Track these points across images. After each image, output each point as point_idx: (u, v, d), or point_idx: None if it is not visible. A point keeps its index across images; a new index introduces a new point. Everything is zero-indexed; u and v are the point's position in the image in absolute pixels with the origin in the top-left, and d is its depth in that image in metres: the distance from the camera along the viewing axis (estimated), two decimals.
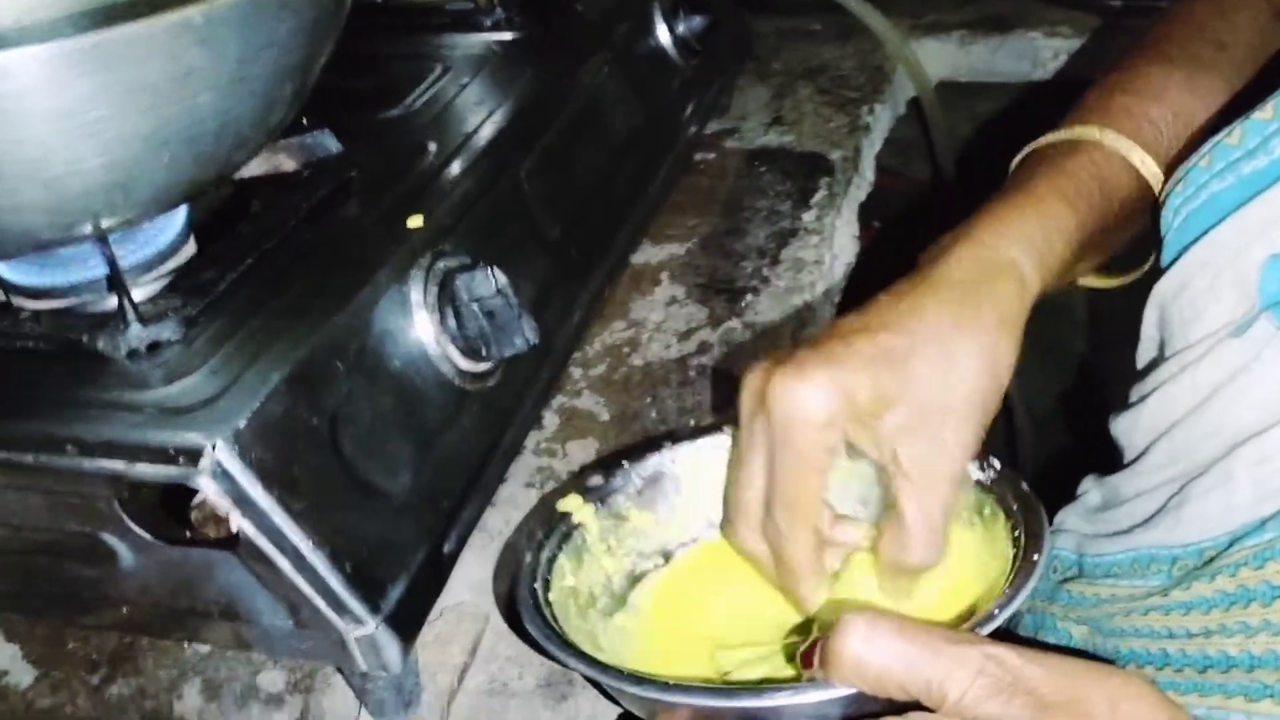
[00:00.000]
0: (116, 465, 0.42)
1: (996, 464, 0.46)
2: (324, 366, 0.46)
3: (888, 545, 0.43)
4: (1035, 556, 0.40)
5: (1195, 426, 0.46)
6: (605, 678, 0.40)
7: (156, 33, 0.40)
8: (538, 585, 0.44)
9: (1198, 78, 0.52)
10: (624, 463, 0.50)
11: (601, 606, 0.47)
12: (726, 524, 0.47)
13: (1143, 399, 0.49)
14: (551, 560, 0.46)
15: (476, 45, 0.74)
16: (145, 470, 0.41)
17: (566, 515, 0.48)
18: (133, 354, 0.46)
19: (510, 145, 0.63)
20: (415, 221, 0.53)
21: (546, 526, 0.47)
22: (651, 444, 0.51)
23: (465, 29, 0.76)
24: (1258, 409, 0.43)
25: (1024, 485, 0.44)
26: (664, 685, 0.38)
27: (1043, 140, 0.52)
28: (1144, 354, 0.51)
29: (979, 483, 0.45)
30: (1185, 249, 0.47)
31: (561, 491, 0.50)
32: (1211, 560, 0.45)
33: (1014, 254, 0.45)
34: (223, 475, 0.40)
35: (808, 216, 0.82)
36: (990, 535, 0.44)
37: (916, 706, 0.35)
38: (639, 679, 0.39)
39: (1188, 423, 0.46)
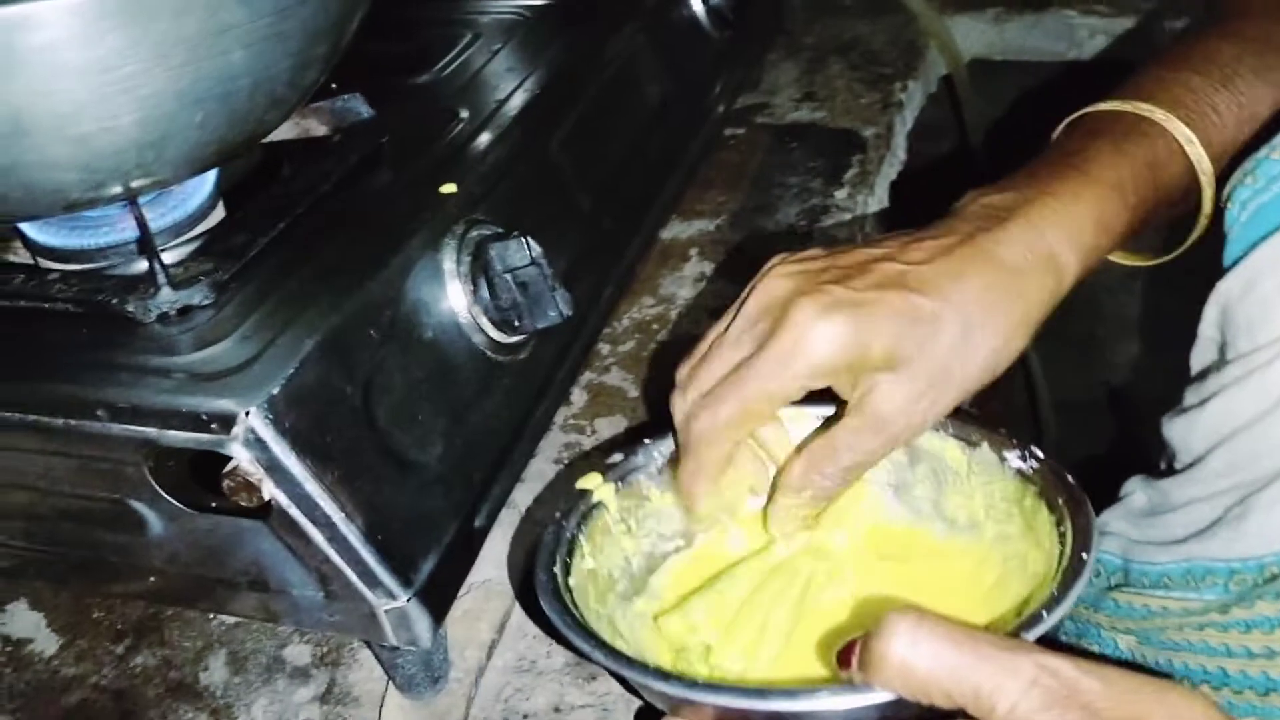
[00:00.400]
0: (148, 431, 0.41)
1: (1039, 454, 0.44)
2: (357, 334, 0.45)
3: (795, 462, 0.43)
4: (1084, 555, 0.38)
5: (1261, 435, 0.44)
6: (631, 672, 0.38)
7: None
8: (557, 569, 0.42)
9: (1270, 60, 0.50)
10: (645, 440, 0.48)
11: (620, 590, 0.45)
12: (682, 370, 0.47)
13: (1202, 403, 0.47)
14: (571, 541, 0.44)
15: (508, 11, 0.73)
16: (177, 436, 0.40)
17: (586, 494, 0.46)
18: (163, 318, 0.45)
19: (542, 114, 0.62)
20: (449, 189, 0.52)
21: (565, 505, 0.46)
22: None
23: None
24: None
25: (1069, 478, 0.42)
26: (691, 683, 0.37)
27: (1104, 106, 0.50)
28: (1201, 355, 0.49)
29: (1020, 472, 0.44)
30: (1254, 246, 0.45)
31: (581, 469, 0.49)
32: (1275, 577, 0.43)
33: (1061, 249, 0.44)
34: (256, 443, 0.39)
35: (839, 194, 0.81)
36: (1032, 529, 0.43)
37: (959, 714, 0.34)
38: (665, 675, 0.37)
39: (1253, 430, 0.44)
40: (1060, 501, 0.41)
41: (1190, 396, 0.48)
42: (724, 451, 0.44)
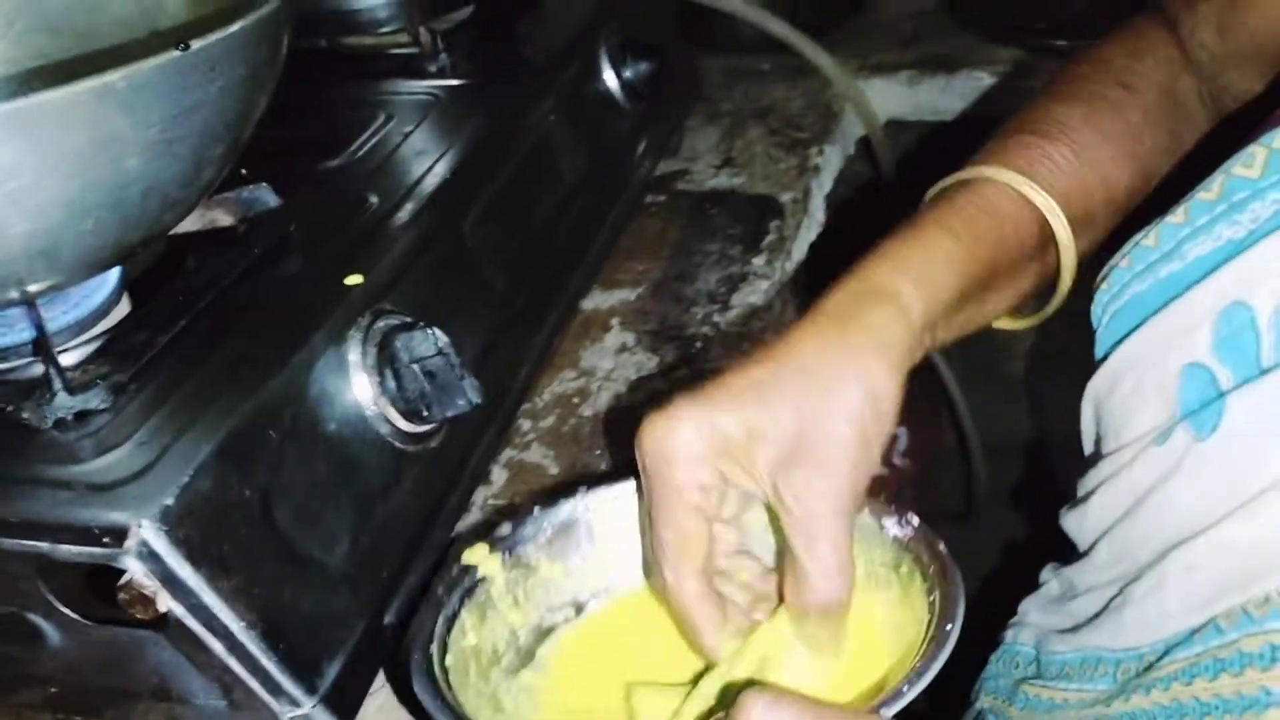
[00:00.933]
0: (40, 545, 0.40)
1: (915, 520, 0.44)
2: (257, 435, 0.44)
3: (790, 591, 0.42)
4: (948, 627, 0.39)
5: (1132, 529, 0.45)
6: None
7: (78, 99, 0.39)
8: (434, 647, 0.42)
9: (1100, 115, 0.52)
10: (535, 509, 0.48)
11: (506, 664, 0.45)
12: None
13: (1086, 496, 0.48)
14: (452, 618, 0.43)
15: (420, 91, 0.73)
16: (70, 551, 0.40)
17: (471, 568, 0.45)
18: (59, 424, 0.45)
19: (454, 196, 0.62)
20: (354, 280, 0.52)
21: (448, 580, 0.45)
22: (566, 489, 0.49)
23: (409, 74, 0.75)
24: (1184, 517, 0.43)
25: (941, 546, 0.43)
26: None
27: (945, 182, 0.51)
28: (1086, 445, 0.51)
29: (897, 539, 0.44)
30: (1113, 349, 0.46)
31: (466, 541, 0.48)
32: (1150, 668, 0.44)
33: (890, 281, 0.44)
34: (149, 555, 0.39)
35: (758, 261, 0.82)
36: (907, 596, 0.43)
37: None
38: None
39: (1126, 524, 0.46)
40: (931, 570, 0.42)
41: (1080, 489, 0.50)
42: (693, 587, 0.43)
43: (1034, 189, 0.49)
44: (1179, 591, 0.43)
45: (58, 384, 0.45)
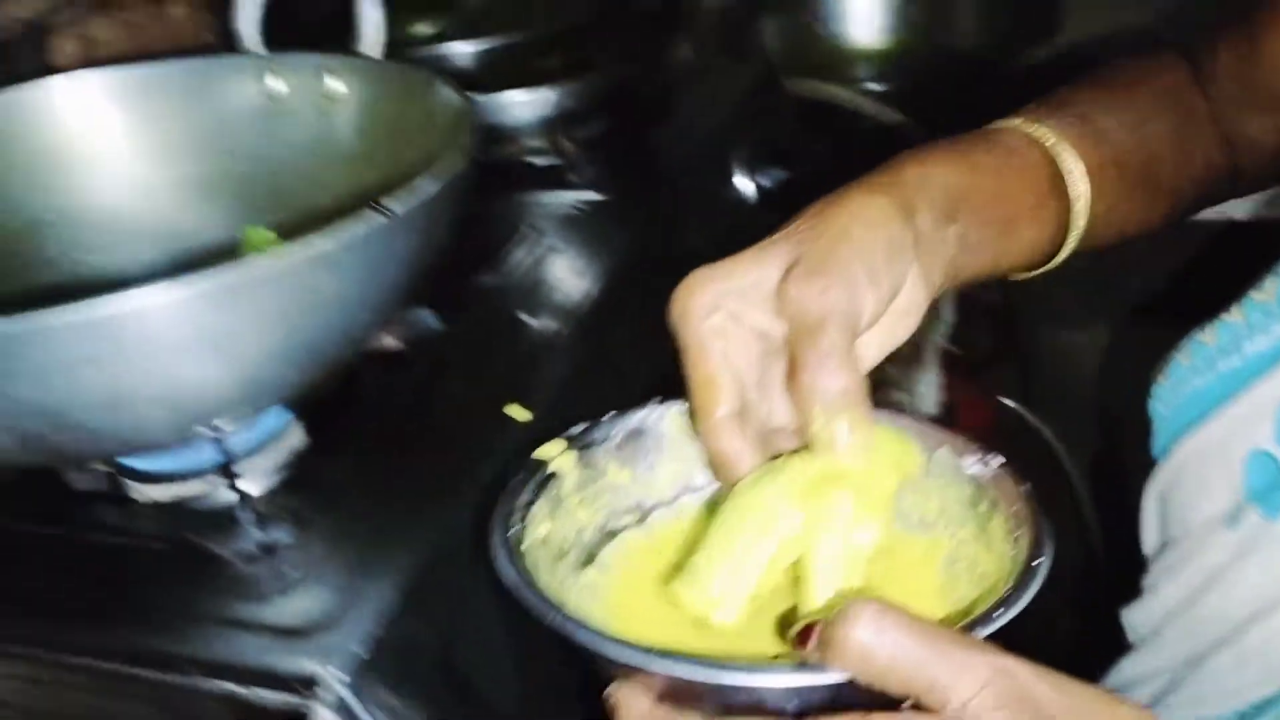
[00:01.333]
0: (232, 688, 0.42)
1: (996, 460, 0.44)
2: (436, 574, 0.46)
3: (793, 391, 0.41)
4: (1037, 562, 0.38)
5: (1204, 608, 0.48)
6: (586, 637, 0.37)
7: (291, 265, 0.41)
8: (512, 534, 0.42)
9: (1104, 93, 0.53)
10: (609, 414, 0.48)
11: (571, 560, 0.45)
12: None
13: (1153, 587, 0.51)
14: (527, 507, 0.44)
15: (564, 205, 0.75)
16: (261, 695, 0.41)
17: (543, 463, 0.45)
18: (248, 558, 0.46)
19: (603, 314, 0.64)
20: (518, 413, 0.54)
21: (524, 473, 0.45)
22: (644, 401, 0.49)
23: (551, 185, 0.76)
24: (1258, 594, 0.46)
25: (1025, 486, 0.42)
26: (647, 651, 0.36)
27: None
28: (1148, 542, 0.53)
29: (976, 478, 0.44)
30: (1176, 440, 0.49)
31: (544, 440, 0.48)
32: None
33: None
34: (340, 706, 0.40)
35: (890, 367, 0.82)
36: (985, 533, 0.43)
37: (897, 705, 0.35)
38: (622, 642, 0.36)
39: (1198, 605, 0.48)
40: (1015, 509, 0.42)
41: (1145, 583, 0.53)
42: (725, 426, 0.43)
43: (1036, 126, 0.50)
44: (1257, 663, 0.45)
45: (246, 517, 0.47)
